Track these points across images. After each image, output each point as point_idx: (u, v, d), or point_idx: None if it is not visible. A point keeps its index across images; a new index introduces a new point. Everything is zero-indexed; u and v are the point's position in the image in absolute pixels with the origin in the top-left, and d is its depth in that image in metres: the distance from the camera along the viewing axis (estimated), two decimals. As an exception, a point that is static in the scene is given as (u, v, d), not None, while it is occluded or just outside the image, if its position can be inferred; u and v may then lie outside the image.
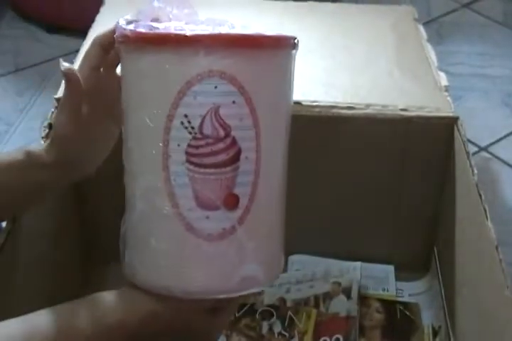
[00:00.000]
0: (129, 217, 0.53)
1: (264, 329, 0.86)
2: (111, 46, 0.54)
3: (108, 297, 0.52)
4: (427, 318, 0.88)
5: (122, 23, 0.51)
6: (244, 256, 0.50)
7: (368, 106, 0.80)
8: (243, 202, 0.49)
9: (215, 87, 0.47)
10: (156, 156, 0.49)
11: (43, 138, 0.75)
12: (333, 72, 0.87)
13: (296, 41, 0.52)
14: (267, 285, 0.54)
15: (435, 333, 0.85)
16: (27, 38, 1.57)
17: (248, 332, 0.85)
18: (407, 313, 0.89)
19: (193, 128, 0.48)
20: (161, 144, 0.49)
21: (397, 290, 0.92)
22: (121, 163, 0.62)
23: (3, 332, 0.47)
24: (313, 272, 0.93)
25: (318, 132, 0.82)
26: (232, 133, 0.48)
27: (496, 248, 0.63)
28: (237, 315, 0.87)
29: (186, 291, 0.50)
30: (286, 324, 0.86)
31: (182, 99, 0.48)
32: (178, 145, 0.48)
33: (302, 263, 0.94)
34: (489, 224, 0.66)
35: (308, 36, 0.94)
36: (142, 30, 0.49)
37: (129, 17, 0.52)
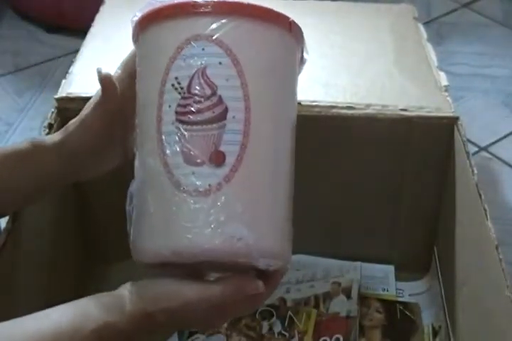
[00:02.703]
0: (131, 189, 0.55)
1: (264, 329, 0.86)
2: None
3: (104, 298, 0.52)
4: (427, 318, 0.88)
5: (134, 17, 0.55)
6: (231, 215, 0.50)
7: (367, 106, 0.80)
8: (230, 160, 0.50)
9: (203, 49, 0.51)
10: (151, 121, 0.52)
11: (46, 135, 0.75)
12: (333, 72, 0.87)
13: (290, 21, 0.54)
14: (260, 258, 0.51)
15: (435, 333, 0.85)
16: (27, 38, 1.57)
17: (248, 332, 0.85)
18: (407, 313, 0.89)
19: (182, 88, 0.51)
20: (155, 109, 0.51)
21: (397, 290, 0.92)
22: (121, 164, 0.62)
23: None
24: (313, 272, 0.93)
25: (318, 132, 0.81)
26: (219, 91, 0.50)
27: (496, 248, 0.63)
28: (237, 315, 0.87)
29: (175, 251, 0.50)
30: (286, 324, 0.86)
31: (173, 63, 0.51)
32: (169, 106, 0.51)
33: (302, 263, 0.94)
34: (489, 224, 0.66)
35: (307, 35, 0.93)
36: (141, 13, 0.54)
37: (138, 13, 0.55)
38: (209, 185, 0.49)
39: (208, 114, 0.50)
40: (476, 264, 0.71)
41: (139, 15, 0.54)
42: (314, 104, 0.80)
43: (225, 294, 0.51)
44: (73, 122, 0.61)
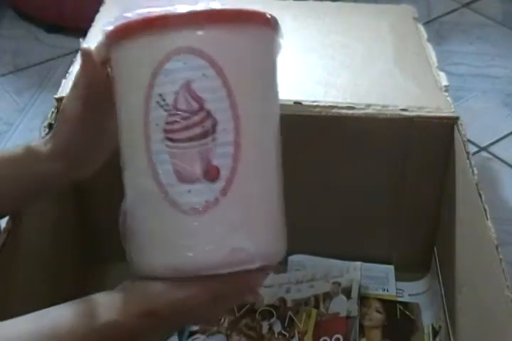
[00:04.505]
0: (123, 208, 0.54)
1: (264, 329, 0.86)
2: None
3: (103, 297, 0.52)
4: (427, 318, 0.88)
5: (105, 27, 0.53)
6: (231, 228, 0.50)
7: (368, 106, 0.80)
8: (224, 173, 0.49)
9: (185, 63, 0.49)
10: (139, 140, 0.50)
11: (42, 138, 0.75)
12: (333, 72, 0.87)
13: (268, 17, 0.53)
14: (262, 263, 0.52)
15: (435, 333, 0.85)
16: (27, 38, 1.57)
17: (248, 332, 0.85)
18: (407, 313, 0.89)
19: (167, 105, 0.49)
20: (142, 127, 0.50)
21: (397, 290, 0.92)
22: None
23: None
24: (313, 272, 0.93)
25: (318, 132, 0.82)
26: (206, 105, 0.49)
27: (496, 248, 0.63)
28: (237, 314, 0.87)
29: (177, 269, 0.50)
30: (286, 324, 0.86)
31: (155, 79, 0.49)
32: (157, 124, 0.49)
33: (302, 263, 0.94)
34: (489, 224, 0.66)
35: (308, 35, 0.94)
36: (116, 24, 0.51)
37: (112, 20, 0.53)
38: (206, 201, 0.49)
39: (197, 130, 0.49)
40: (476, 264, 0.71)
41: (110, 28, 0.52)
42: (315, 104, 0.80)
43: (229, 286, 0.52)
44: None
